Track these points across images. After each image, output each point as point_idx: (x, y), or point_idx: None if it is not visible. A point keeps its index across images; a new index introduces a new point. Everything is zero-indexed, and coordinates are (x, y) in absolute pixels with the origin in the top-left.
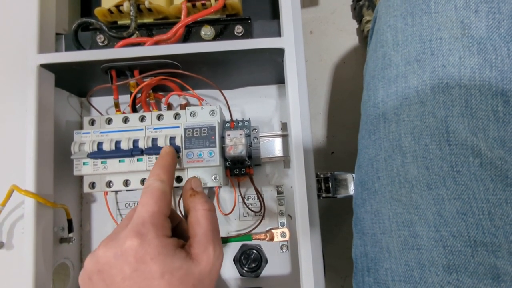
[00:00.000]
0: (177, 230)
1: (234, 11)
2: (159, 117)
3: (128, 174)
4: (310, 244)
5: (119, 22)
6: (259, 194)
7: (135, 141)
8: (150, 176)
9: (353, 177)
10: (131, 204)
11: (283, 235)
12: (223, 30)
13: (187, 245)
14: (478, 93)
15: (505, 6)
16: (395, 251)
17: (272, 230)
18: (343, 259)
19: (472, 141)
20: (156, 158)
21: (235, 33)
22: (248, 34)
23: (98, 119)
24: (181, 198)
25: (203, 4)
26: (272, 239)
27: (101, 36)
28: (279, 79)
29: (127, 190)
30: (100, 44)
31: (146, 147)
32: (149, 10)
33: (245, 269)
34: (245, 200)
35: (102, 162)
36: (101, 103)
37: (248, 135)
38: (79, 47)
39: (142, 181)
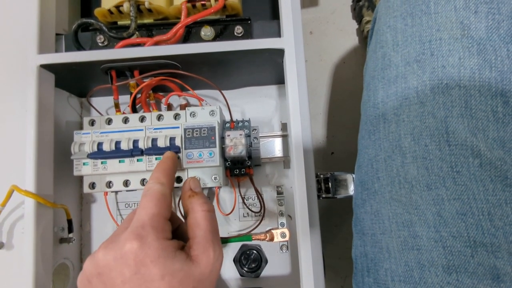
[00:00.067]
0: (178, 233)
1: (234, 11)
2: (159, 117)
3: (128, 174)
4: (310, 244)
5: (119, 23)
6: (259, 195)
7: (135, 142)
8: (150, 179)
9: (353, 178)
10: (131, 205)
11: (283, 235)
12: (223, 31)
13: (186, 246)
14: (477, 94)
15: (504, 7)
16: (395, 252)
17: (272, 231)
18: (343, 259)
19: (472, 142)
20: (156, 158)
21: (235, 33)
22: (248, 34)
23: (98, 120)
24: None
25: (203, 5)
26: (272, 239)
27: (101, 36)
28: (279, 79)
29: (127, 191)
30: (100, 44)
31: (146, 147)
32: (149, 10)
33: (245, 269)
34: (245, 201)
35: (102, 163)
36: (101, 103)
37: (248, 136)
38: (79, 47)
39: (142, 181)
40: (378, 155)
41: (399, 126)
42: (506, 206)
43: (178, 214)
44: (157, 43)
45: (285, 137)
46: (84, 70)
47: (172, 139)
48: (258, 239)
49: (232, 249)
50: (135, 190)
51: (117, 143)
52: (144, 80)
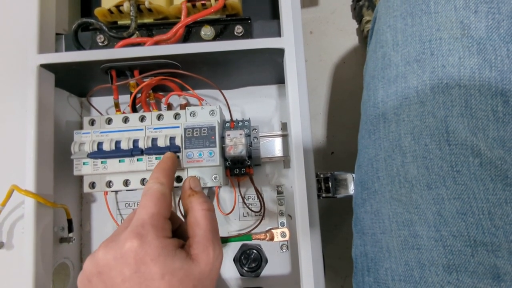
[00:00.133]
0: (178, 232)
1: (234, 11)
2: (159, 117)
3: (128, 174)
4: (310, 244)
5: (119, 22)
6: (259, 194)
7: (135, 141)
8: (149, 179)
9: (353, 177)
10: (131, 204)
11: (283, 235)
12: (223, 30)
13: (186, 245)
14: (477, 93)
15: (504, 7)
16: (395, 251)
17: (272, 230)
18: (343, 259)
19: (472, 141)
20: (156, 158)
21: (235, 33)
22: (248, 34)
23: (98, 119)
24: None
25: (203, 4)
26: (272, 239)
27: (101, 36)
28: (279, 79)
29: (127, 190)
30: (100, 44)
31: (146, 147)
32: (149, 10)
33: (245, 269)
34: (245, 200)
35: (102, 162)
36: (101, 103)
37: (248, 135)
38: (79, 47)
39: (142, 181)
40: (378, 155)
41: (399, 125)
42: (506, 206)
43: (178, 214)
44: (157, 43)
45: (285, 137)
46: (84, 69)
47: (172, 139)
48: (258, 239)
49: (232, 249)
50: (135, 189)
51: (117, 143)
52: (144, 80)
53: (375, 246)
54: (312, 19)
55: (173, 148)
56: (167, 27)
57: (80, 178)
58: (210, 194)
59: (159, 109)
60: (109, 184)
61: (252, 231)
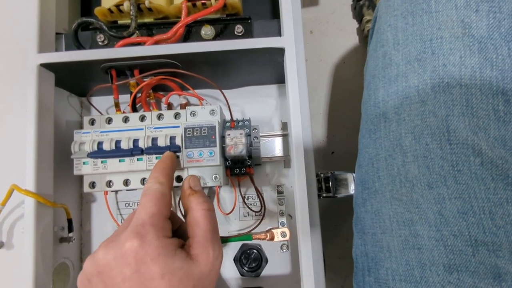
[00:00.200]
0: (178, 233)
1: (234, 10)
2: (159, 116)
3: (128, 173)
4: (311, 244)
5: (119, 22)
6: (259, 194)
7: (135, 141)
8: (149, 179)
9: (354, 177)
10: (131, 204)
11: (283, 234)
12: (223, 30)
13: (186, 245)
14: (478, 92)
15: (505, 5)
16: (395, 251)
17: (272, 230)
18: (343, 259)
19: (473, 140)
20: (156, 157)
21: (235, 32)
22: (248, 33)
23: (98, 119)
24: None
25: (203, 4)
26: (272, 238)
27: (101, 35)
28: (279, 79)
29: (127, 190)
30: (100, 43)
31: (146, 146)
32: (149, 9)
33: (246, 268)
34: (245, 200)
35: (102, 162)
36: (101, 102)
37: (248, 135)
38: (79, 46)
39: (142, 180)
40: (378, 154)
41: (400, 125)
42: (507, 205)
43: (178, 214)
44: (157, 42)
45: (285, 137)
46: (84, 69)
47: (172, 138)
48: (259, 239)
49: (232, 249)
50: (135, 189)
51: (117, 143)
52: (144, 80)
53: (376, 245)
54: (312, 18)
55: (174, 147)
56: (167, 27)
57: (80, 177)
58: (210, 194)
59: (159, 108)
60: (109, 183)
61: (252, 231)
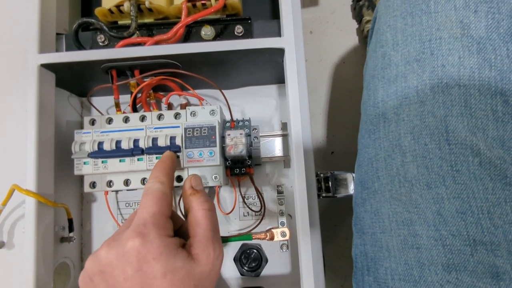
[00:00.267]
0: (180, 232)
1: (234, 11)
2: (160, 116)
3: (129, 173)
4: (310, 244)
5: (120, 22)
6: (259, 194)
7: (136, 141)
8: (149, 179)
9: (353, 177)
10: (132, 204)
11: (283, 234)
12: (223, 30)
13: (187, 245)
14: (477, 93)
15: (504, 6)
16: (394, 250)
17: (272, 230)
18: (343, 258)
19: (472, 141)
20: (156, 157)
21: (235, 33)
22: (248, 34)
23: (98, 119)
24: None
25: (204, 4)
26: (272, 238)
27: (102, 36)
28: (279, 79)
29: (127, 190)
30: (100, 44)
31: (146, 146)
32: (150, 10)
33: (245, 268)
34: (245, 200)
35: (102, 162)
36: (102, 103)
37: (248, 135)
38: (80, 47)
39: (143, 180)
40: (378, 154)
41: (399, 125)
42: (505, 205)
43: (179, 213)
44: (157, 43)
45: (285, 137)
46: (84, 69)
47: (172, 139)
48: (258, 238)
49: (232, 248)
50: (136, 189)
51: (118, 143)
52: (145, 80)
53: (375, 245)
54: (312, 19)
55: (174, 147)
56: (168, 27)
57: (81, 177)
58: (210, 194)
59: (159, 109)
60: (109, 183)
61: (252, 231)
